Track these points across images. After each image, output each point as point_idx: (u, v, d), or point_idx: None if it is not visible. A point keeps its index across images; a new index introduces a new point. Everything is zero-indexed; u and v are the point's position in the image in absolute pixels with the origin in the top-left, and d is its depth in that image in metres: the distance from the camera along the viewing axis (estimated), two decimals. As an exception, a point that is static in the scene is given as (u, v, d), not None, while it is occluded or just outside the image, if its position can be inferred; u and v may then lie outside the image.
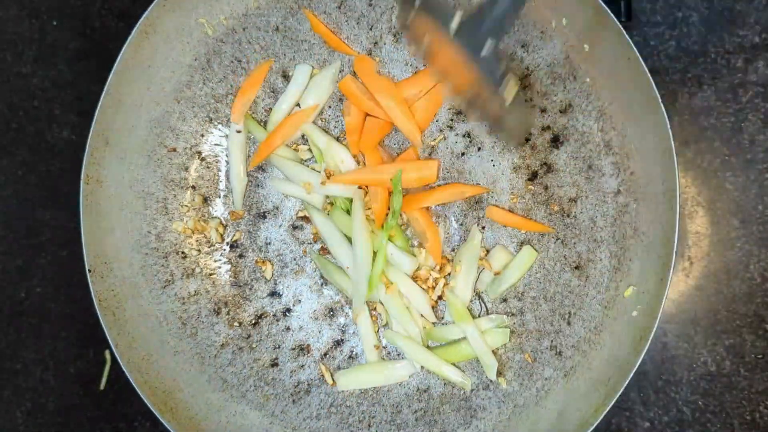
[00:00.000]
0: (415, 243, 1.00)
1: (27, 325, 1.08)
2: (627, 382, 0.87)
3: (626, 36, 0.86)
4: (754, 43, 1.02)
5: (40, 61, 1.09)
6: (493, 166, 0.99)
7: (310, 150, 1.01)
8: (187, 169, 1.01)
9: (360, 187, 0.98)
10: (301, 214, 1.01)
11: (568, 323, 0.97)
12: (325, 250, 1.01)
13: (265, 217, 1.02)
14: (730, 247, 1.02)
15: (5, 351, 1.08)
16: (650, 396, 1.02)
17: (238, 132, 0.99)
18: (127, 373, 0.91)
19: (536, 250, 0.98)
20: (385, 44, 1.00)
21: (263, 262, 1.01)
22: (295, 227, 1.02)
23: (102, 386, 1.07)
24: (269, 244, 1.02)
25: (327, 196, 1.00)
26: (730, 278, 1.02)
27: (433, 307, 0.99)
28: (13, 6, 1.09)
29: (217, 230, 1.01)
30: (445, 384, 0.99)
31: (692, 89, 1.03)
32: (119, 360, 0.91)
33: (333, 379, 0.99)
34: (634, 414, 1.02)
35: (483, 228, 0.99)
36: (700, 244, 1.03)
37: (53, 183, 1.08)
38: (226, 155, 1.02)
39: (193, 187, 1.01)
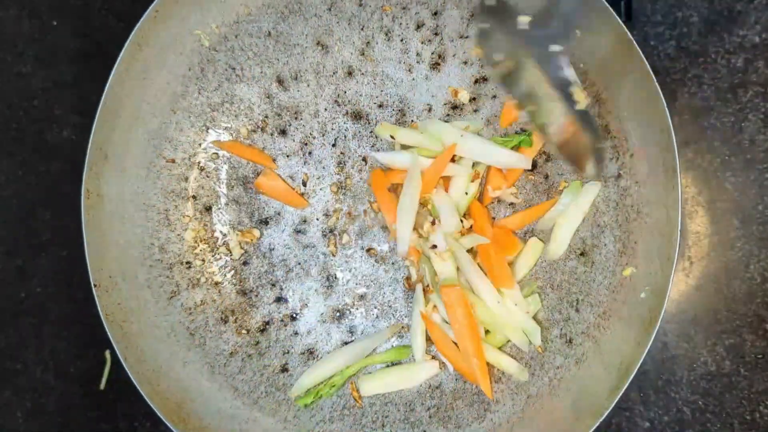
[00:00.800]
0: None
1: (27, 325, 1.08)
2: (639, 364, 0.86)
3: (616, 17, 0.86)
4: (754, 43, 1.02)
5: (40, 61, 1.08)
6: (492, 158, 1.00)
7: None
8: (186, 179, 1.01)
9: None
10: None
11: (577, 310, 0.97)
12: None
13: (267, 223, 1.02)
14: (730, 247, 1.02)
15: (5, 351, 1.08)
16: (650, 396, 1.02)
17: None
18: (137, 386, 0.90)
19: (542, 240, 0.98)
20: (377, 43, 1.00)
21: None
22: (298, 231, 1.02)
23: (102, 386, 1.07)
24: (273, 250, 1.02)
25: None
26: (730, 278, 1.02)
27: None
28: (13, 6, 1.08)
29: (240, 245, 1.01)
30: (456, 379, 0.99)
31: (692, 89, 1.03)
32: (129, 373, 0.91)
33: (356, 389, 1.00)
34: (634, 414, 1.03)
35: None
36: (700, 244, 1.03)
37: (53, 183, 1.08)
38: (225, 164, 1.02)
39: (194, 197, 1.01)
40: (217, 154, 1.01)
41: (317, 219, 1.01)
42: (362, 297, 1.01)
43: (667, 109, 0.86)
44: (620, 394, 0.87)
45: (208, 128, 1.01)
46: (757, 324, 1.01)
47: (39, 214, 1.08)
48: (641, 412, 1.03)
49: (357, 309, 1.01)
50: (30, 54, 1.08)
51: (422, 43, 0.99)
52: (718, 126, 1.03)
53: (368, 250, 1.01)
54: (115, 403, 1.07)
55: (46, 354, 1.08)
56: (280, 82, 1.01)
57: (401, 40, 0.99)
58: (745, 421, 1.01)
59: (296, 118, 1.01)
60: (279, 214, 1.02)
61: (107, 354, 1.07)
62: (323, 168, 1.01)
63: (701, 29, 1.03)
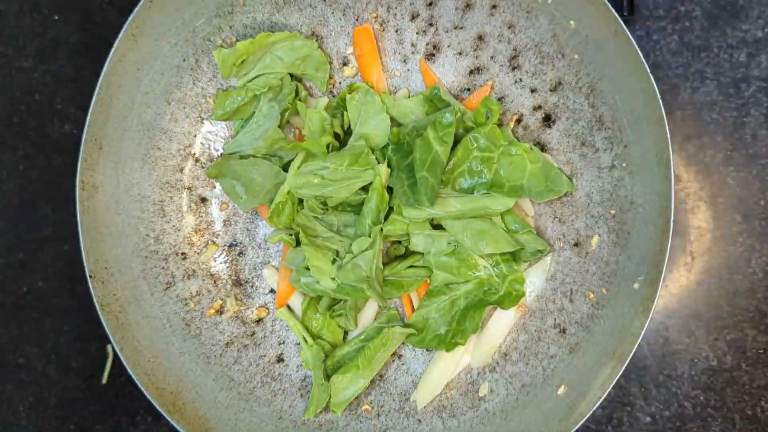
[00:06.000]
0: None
1: (29, 320, 1.09)
2: (632, 354, 0.85)
3: (611, 8, 0.86)
4: (756, 37, 1.02)
5: (41, 55, 1.09)
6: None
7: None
8: (181, 170, 1.01)
9: None
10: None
11: (570, 300, 0.96)
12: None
13: (261, 213, 1.02)
14: (731, 243, 1.02)
15: (7, 345, 1.09)
16: (651, 391, 1.02)
17: None
18: (133, 377, 0.90)
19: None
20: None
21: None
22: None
23: (104, 380, 1.07)
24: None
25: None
26: (731, 273, 1.01)
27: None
28: (14, 0, 1.09)
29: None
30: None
31: (694, 84, 1.03)
32: (125, 363, 0.91)
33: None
34: (635, 409, 1.02)
35: None
36: (701, 239, 1.02)
37: (55, 177, 1.08)
38: (220, 154, 1.02)
39: (189, 188, 1.01)
40: (212, 145, 1.02)
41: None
42: (355, 285, 1.01)
43: (660, 100, 0.85)
44: (613, 383, 0.86)
45: (203, 119, 1.01)
46: (759, 319, 1.00)
47: (40, 209, 1.09)
48: (642, 407, 1.02)
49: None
50: (31, 48, 1.09)
51: (417, 33, 0.99)
52: (721, 121, 1.02)
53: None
54: (117, 398, 1.08)
55: (47, 348, 1.09)
56: (274, 72, 1.01)
57: (396, 31, 0.99)
58: (747, 416, 1.00)
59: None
60: (273, 203, 1.02)
61: (109, 348, 1.07)
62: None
63: (704, 24, 1.03)
